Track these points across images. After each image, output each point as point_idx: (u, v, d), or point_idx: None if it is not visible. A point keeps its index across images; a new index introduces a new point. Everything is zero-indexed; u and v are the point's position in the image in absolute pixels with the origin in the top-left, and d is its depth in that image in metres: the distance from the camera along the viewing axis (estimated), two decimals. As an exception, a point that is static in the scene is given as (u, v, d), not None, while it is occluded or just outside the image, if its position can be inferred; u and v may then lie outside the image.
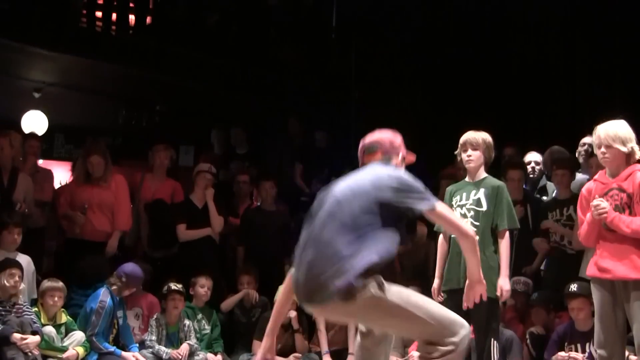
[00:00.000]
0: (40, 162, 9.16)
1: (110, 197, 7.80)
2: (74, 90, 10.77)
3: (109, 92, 10.86)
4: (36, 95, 10.52)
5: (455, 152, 5.82)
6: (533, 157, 8.21)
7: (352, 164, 9.27)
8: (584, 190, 5.08)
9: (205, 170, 8.35)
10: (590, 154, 6.98)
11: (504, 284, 5.49)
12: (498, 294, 5.47)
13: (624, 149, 4.75)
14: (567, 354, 6.11)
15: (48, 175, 8.55)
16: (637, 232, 4.64)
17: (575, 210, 6.84)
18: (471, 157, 5.69)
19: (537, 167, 8.16)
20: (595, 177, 5.00)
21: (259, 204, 8.88)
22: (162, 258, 8.25)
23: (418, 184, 3.81)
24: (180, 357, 6.95)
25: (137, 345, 7.06)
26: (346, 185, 3.86)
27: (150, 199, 8.43)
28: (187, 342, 7.09)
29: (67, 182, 8.09)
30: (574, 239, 6.83)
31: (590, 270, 4.90)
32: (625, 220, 4.65)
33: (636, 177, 4.72)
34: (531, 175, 8.13)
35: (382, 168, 3.91)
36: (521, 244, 7.23)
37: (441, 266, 5.75)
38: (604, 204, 4.72)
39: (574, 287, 6.21)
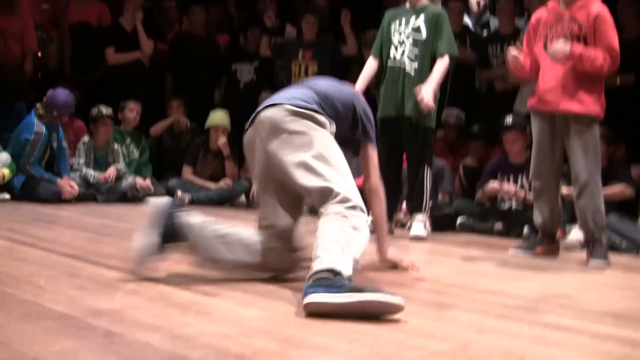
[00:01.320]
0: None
1: (21, 23, 7.57)
2: None
3: None
4: None
5: None
6: None
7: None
8: (533, 19, 4.89)
9: None
10: None
11: (426, 92, 5.29)
12: (418, 99, 5.36)
13: None
14: (497, 187, 6.14)
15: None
16: (598, 69, 4.49)
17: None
18: None
19: (482, 2, 7.96)
20: (548, 5, 4.80)
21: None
22: (87, 81, 8.00)
23: None
24: (107, 180, 6.83)
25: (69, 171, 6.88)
26: None
27: (77, 22, 8.10)
28: (115, 165, 6.95)
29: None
30: (510, 74, 6.76)
31: (531, 101, 4.82)
32: (588, 57, 4.52)
33: (590, 9, 4.53)
34: (475, 10, 7.95)
35: None
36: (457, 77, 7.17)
37: (361, 86, 5.56)
38: (565, 46, 4.54)
39: (508, 119, 6.18)
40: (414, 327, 2.50)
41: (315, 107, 3.17)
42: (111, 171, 6.90)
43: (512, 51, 4.67)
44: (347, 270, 2.66)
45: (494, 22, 7.79)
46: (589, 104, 4.54)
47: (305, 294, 2.56)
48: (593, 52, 4.48)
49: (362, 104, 3.46)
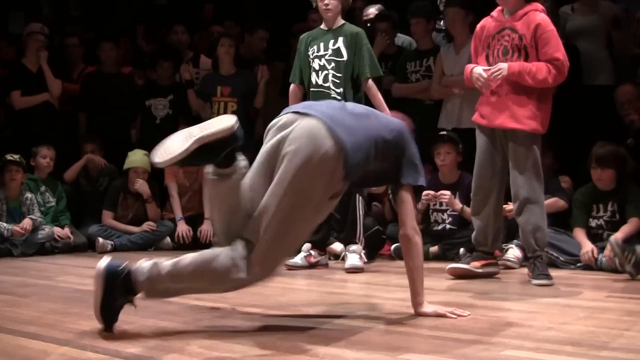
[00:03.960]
0: None
1: None
2: None
3: None
4: None
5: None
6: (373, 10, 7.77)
7: (196, 21, 8.92)
8: (478, 27, 4.76)
9: (36, 31, 7.70)
10: (447, 2, 6.72)
11: None
12: None
13: None
14: (433, 194, 5.93)
15: None
16: (542, 82, 4.39)
17: (434, 62, 6.73)
18: (329, 5, 5.38)
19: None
20: (492, 13, 4.68)
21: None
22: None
23: None
24: (22, 232, 6.46)
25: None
26: None
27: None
28: (30, 216, 6.59)
29: None
30: (433, 89, 6.68)
31: (474, 115, 4.71)
32: (529, 71, 4.38)
33: (531, 19, 4.43)
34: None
35: None
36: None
37: None
38: (498, 70, 4.43)
39: (444, 132, 6.11)
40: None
41: None
42: (26, 222, 6.52)
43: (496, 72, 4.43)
44: None
45: (407, 40, 7.62)
46: (524, 120, 4.43)
47: None
48: (534, 66, 4.38)
49: None
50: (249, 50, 8.14)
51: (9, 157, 6.62)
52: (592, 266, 5.18)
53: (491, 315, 3.41)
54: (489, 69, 4.47)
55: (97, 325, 3.18)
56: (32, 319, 3.40)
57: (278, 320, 3.36)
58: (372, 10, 7.36)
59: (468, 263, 4.78)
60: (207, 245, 6.89)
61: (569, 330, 3.08)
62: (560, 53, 4.40)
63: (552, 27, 4.45)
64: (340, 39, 5.37)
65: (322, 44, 5.41)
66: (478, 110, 4.65)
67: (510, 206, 4.87)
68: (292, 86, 5.56)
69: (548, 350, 2.69)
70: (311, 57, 5.43)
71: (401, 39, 7.56)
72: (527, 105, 4.44)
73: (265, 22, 8.34)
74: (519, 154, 4.47)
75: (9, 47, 8.32)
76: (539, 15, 4.46)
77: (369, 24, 7.09)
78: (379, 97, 5.35)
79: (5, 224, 6.48)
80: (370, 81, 5.33)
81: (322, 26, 5.51)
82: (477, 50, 4.70)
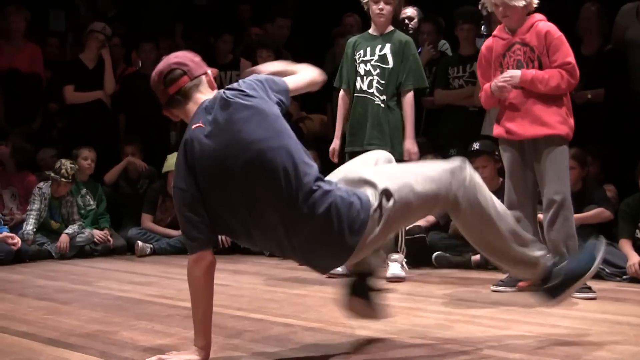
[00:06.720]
0: None
1: None
2: None
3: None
4: None
5: (363, 1, 5.41)
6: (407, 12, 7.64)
7: (234, 22, 8.89)
8: (483, 48, 4.75)
9: (98, 30, 7.79)
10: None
11: (411, 146, 5.23)
12: (406, 158, 5.21)
13: (522, 3, 4.43)
14: None
15: None
16: (555, 89, 4.35)
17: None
18: (383, 11, 5.30)
19: (411, 24, 7.58)
20: (494, 33, 4.67)
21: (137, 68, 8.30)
22: (23, 133, 7.60)
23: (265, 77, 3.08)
24: (62, 251, 6.49)
25: (7, 227, 6.44)
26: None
27: (7, 68, 7.68)
28: (66, 231, 6.60)
29: None
30: (476, 97, 6.60)
31: (496, 130, 4.64)
32: (541, 79, 4.38)
33: (539, 29, 4.41)
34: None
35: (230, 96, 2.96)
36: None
37: (341, 125, 5.44)
38: (510, 76, 4.42)
39: (476, 145, 5.97)
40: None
41: None
42: (63, 240, 6.53)
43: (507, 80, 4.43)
44: None
45: (447, 44, 7.54)
46: (556, 125, 4.37)
47: None
48: (546, 73, 4.37)
49: None
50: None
51: (68, 168, 6.59)
52: (638, 279, 5.08)
53: (538, 333, 3.33)
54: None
55: (138, 336, 3.17)
56: (73, 328, 3.39)
57: (319, 336, 3.29)
58: (407, 11, 7.26)
59: (513, 281, 4.66)
60: (245, 249, 6.91)
61: (621, 351, 3.00)
62: (571, 57, 4.38)
63: (559, 33, 4.42)
64: (388, 46, 5.29)
65: (368, 49, 5.34)
66: (501, 125, 4.57)
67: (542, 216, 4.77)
68: (341, 92, 5.49)
69: (602, 374, 2.62)
70: (357, 61, 5.37)
71: (441, 43, 7.49)
72: (557, 111, 4.40)
73: (284, 8, 8.28)
74: (552, 159, 4.38)
75: (52, 46, 8.42)
76: (546, 24, 4.44)
77: (406, 21, 6.97)
78: (409, 111, 5.27)
79: (30, 227, 6.47)
80: (411, 94, 5.27)
81: (371, 30, 5.42)
82: (486, 73, 4.64)
